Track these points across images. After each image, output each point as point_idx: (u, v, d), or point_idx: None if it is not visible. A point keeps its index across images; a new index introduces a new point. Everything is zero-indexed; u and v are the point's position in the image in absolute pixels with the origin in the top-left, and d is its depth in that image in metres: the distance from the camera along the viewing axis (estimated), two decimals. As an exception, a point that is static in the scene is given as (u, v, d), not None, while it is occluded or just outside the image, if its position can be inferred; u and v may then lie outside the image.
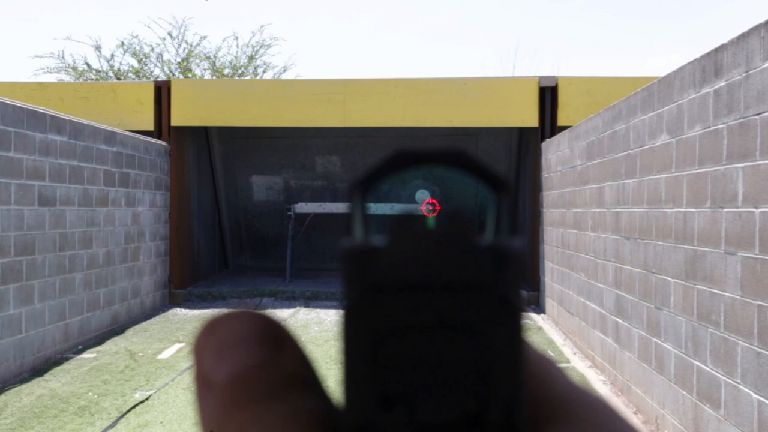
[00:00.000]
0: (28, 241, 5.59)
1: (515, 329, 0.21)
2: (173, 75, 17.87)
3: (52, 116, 6.03)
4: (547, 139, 8.13)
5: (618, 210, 5.09)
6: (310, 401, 0.22)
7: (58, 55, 18.22)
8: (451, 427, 0.21)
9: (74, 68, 17.26)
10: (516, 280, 0.21)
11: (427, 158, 0.23)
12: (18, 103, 5.56)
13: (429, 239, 0.21)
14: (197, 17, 37.44)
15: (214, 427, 0.22)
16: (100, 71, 17.44)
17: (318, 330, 7.14)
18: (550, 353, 6.23)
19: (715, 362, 3.41)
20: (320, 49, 39.30)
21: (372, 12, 50.14)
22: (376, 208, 9.21)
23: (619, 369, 5.04)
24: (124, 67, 17.83)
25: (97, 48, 17.39)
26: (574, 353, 6.25)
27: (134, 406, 4.59)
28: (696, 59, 3.73)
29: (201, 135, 10.16)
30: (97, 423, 4.28)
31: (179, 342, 6.62)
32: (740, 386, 3.14)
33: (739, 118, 3.19)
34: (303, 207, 10.19)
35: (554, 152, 7.55)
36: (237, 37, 24.77)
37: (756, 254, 3.00)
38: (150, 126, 8.97)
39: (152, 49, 18.05)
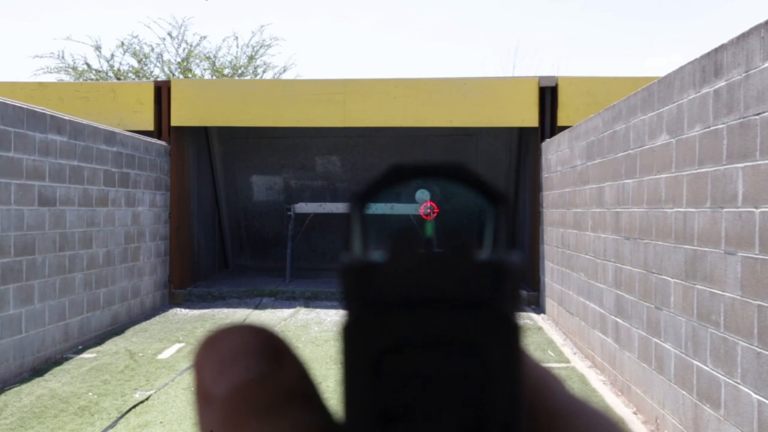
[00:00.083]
0: (28, 241, 5.59)
1: (513, 345, 0.21)
2: (173, 75, 17.86)
3: (52, 116, 6.03)
4: (547, 139, 8.13)
5: (618, 210, 5.09)
6: (309, 416, 0.22)
7: (58, 55, 18.23)
8: None
9: (74, 68, 17.26)
10: (514, 295, 0.22)
11: (426, 172, 0.23)
12: (18, 103, 5.56)
13: (427, 255, 0.21)
14: (197, 17, 37.44)
15: None
16: (100, 71, 17.43)
17: (318, 330, 7.14)
18: (550, 353, 6.23)
19: (715, 362, 3.41)
20: (320, 49, 39.30)
21: (372, 12, 50.14)
22: (376, 208, 9.20)
23: (619, 369, 5.04)
24: (124, 67, 17.84)
25: (97, 48, 17.39)
26: (574, 353, 6.26)
27: (134, 406, 4.59)
28: (696, 59, 3.73)
29: (201, 135, 10.16)
30: (97, 423, 4.29)
31: (179, 342, 6.62)
32: (740, 386, 3.14)
33: (739, 118, 3.19)
34: (303, 207, 10.19)
35: (554, 152, 7.55)
36: (237, 37, 24.77)
37: (756, 254, 3.00)
38: (150, 126, 8.96)
39: (152, 49, 18.06)
